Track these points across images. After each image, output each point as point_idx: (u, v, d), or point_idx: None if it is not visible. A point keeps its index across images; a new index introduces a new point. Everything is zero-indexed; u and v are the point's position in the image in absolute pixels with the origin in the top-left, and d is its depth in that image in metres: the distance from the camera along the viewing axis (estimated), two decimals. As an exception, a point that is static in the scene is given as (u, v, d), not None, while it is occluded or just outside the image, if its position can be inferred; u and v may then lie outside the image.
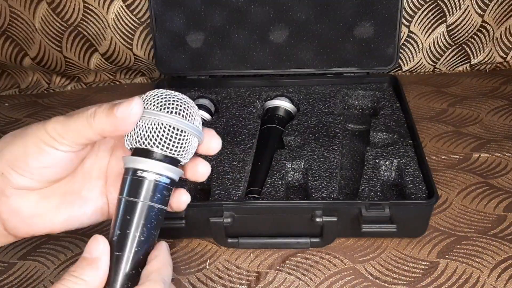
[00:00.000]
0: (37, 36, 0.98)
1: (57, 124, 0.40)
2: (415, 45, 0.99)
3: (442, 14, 0.95)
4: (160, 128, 0.40)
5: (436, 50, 1.00)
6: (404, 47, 0.99)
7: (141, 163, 0.40)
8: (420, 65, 1.02)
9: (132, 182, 0.40)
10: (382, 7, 0.86)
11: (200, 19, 0.88)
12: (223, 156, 0.75)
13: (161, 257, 0.41)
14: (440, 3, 0.94)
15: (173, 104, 0.40)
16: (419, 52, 1.00)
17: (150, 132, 0.40)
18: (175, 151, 0.40)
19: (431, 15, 0.95)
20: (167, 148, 0.40)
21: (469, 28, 0.97)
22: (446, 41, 0.98)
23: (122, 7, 0.95)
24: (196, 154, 0.44)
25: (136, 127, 0.40)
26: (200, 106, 0.85)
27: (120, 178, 0.42)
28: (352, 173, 0.75)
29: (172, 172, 0.41)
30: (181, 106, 0.41)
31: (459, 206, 0.72)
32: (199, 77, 0.92)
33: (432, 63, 1.02)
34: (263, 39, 0.89)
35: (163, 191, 0.41)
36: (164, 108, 0.40)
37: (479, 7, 0.95)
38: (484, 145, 0.82)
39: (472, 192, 0.74)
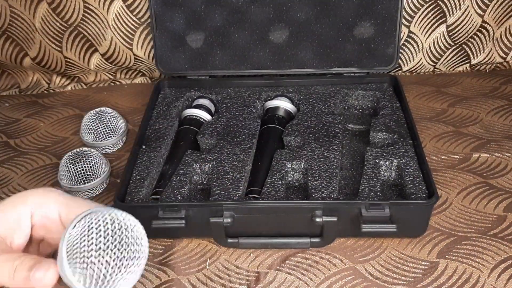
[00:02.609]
0: (37, 36, 0.98)
1: None
2: (415, 45, 0.99)
3: (442, 14, 0.95)
4: None
5: (436, 50, 0.99)
6: (404, 47, 0.99)
7: None
8: (420, 65, 1.02)
9: None
10: (382, 7, 0.86)
11: (200, 19, 0.88)
12: (223, 156, 0.75)
13: None
14: (440, 3, 0.94)
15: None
16: (419, 52, 1.00)
17: None
18: None
19: (431, 15, 0.95)
20: None
21: (469, 28, 0.97)
22: (446, 41, 0.98)
23: (122, 7, 0.95)
24: None
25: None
26: (200, 106, 0.86)
27: None
28: (352, 173, 0.75)
29: None
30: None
31: (459, 206, 0.72)
32: (199, 77, 0.92)
33: (432, 63, 1.02)
34: (263, 39, 0.89)
35: None
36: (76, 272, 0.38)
37: (479, 7, 0.95)
38: (484, 145, 0.82)
39: (472, 192, 0.74)
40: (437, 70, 1.03)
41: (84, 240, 0.38)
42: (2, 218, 0.43)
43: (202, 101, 0.87)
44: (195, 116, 0.84)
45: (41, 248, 0.46)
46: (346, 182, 0.74)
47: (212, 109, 0.87)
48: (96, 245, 0.38)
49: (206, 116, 0.84)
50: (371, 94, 0.87)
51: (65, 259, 0.38)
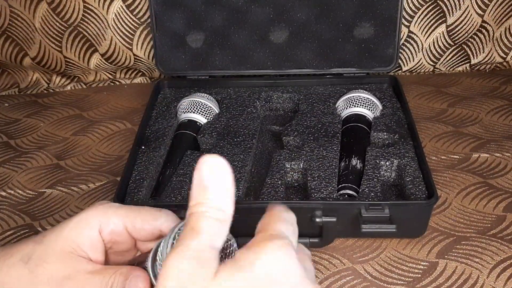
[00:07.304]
0: (37, 36, 0.98)
1: None
2: (415, 45, 0.99)
3: (442, 14, 0.95)
4: None
5: (436, 50, 0.99)
6: (404, 47, 0.99)
7: None
8: (420, 65, 1.02)
9: None
10: (382, 8, 0.86)
11: (200, 19, 0.88)
12: (223, 156, 0.74)
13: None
14: (440, 3, 0.94)
15: None
16: (419, 52, 1.00)
17: None
18: None
19: (431, 15, 0.95)
20: None
21: (469, 28, 0.97)
22: (446, 41, 0.98)
23: (122, 7, 0.95)
24: None
25: None
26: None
27: None
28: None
29: None
30: None
31: (459, 206, 0.72)
32: (199, 77, 0.92)
33: (432, 63, 1.02)
34: (263, 40, 0.89)
35: None
36: None
37: (479, 7, 0.95)
38: (484, 145, 0.82)
39: (471, 192, 0.74)
40: (437, 70, 1.03)
41: None
42: (77, 242, 0.45)
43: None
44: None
45: (111, 259, 0.48)
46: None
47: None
48: None
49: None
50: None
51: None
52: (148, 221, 0.46)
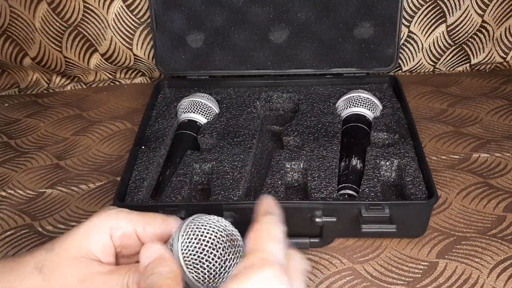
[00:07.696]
0: (37, 36, 0.98)
1: None
2: (415, 45, 0.99)
3: (442, 14, 0.95)
4: None
5: (436, 50, 1.00)
6: (404, 47, 0.99)
7: None
8: (420, 65, 1.02)
9: None
10: (382, 8, 0.86)
11: (200, 19, 0.88)
12: (223, 156, 0.75)
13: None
14: (440, 3, 0.94)
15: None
16: (419, 52, 1.00)
17: None
18: None
19: (431, 15, 0.95)
20: None
21: (469, 28, 0.97)
22: (446, 41, 0.98)
23: (122, 7, 0.95)
24: None
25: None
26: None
27: None
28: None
29: None
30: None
31: (459, 206, 0.72)
32: (199, 77, 0.92)
33: (432, 63, 1.02)
34: (263, 39, 0.89)
35: None
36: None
37: (479, 7, 0.95)
38: (484, 145, 0.82)
39: (471, 192, 0.74)
40: (437, 70, 1.03)
41: (198, 243, 0.43)
42: (88, 247, 0.46)
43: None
44: None
45: (121, 262, 0.49)
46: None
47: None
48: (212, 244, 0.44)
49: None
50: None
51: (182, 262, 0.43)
52: (158, 225, 0.47)
